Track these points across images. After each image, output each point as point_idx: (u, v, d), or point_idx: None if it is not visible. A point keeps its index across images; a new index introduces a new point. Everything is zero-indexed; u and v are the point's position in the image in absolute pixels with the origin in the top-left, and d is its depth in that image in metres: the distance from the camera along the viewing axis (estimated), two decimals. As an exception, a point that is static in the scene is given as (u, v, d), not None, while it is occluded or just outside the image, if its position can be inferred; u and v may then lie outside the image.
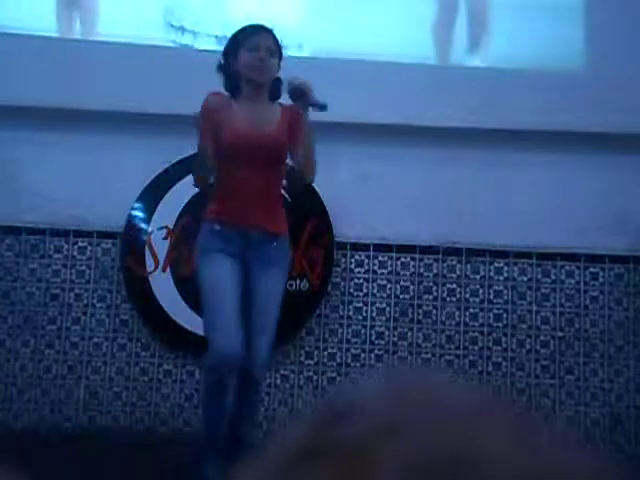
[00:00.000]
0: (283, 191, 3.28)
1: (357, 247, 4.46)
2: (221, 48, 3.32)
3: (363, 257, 4.46)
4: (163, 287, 4.33)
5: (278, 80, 3.18)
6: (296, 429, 0.45)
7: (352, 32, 4.59)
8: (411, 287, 4.45)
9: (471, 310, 4.44)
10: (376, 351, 4.40)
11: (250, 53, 3.08)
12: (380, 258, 4.46)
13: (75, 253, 4.42)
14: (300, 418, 0.46)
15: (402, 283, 4.45)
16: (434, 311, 4.43)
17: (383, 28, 4.57)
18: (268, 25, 3.21)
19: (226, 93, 3.18)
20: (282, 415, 4.27)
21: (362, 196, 4.42)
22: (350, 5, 4.66)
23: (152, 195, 4.43)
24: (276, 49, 3.14)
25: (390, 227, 4.43)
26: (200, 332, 4.19)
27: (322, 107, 3.01)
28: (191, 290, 4.28)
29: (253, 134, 3.06)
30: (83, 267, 4.41)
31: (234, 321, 2.99)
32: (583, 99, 4.39)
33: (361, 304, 4.43)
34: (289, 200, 4.43)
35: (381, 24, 4.57)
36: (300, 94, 3.02)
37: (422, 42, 4.59)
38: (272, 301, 3.10)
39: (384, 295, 4.44)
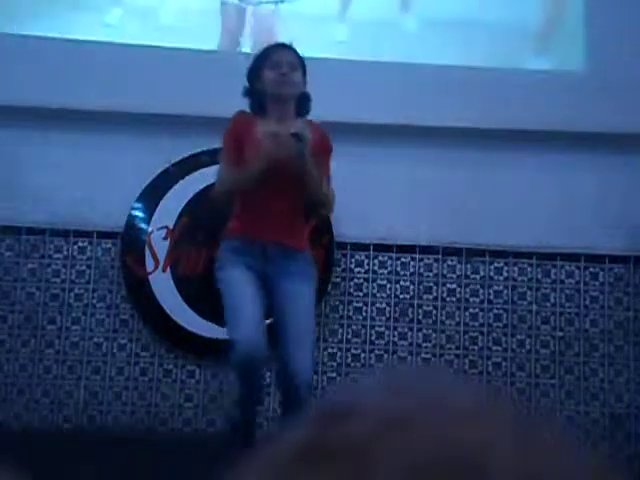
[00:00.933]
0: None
1: (357, 247, 4.46)
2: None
3: (363, 257, 4.46)
4: (163, 287, 4.32)
5: (305, 95, 3.17)
6: (296, 429, 0.45)
7: (353, 32, 4.59)
8: (411, 287, 4.45)
9: (471, 310, 4.44)
10: (376, 351, 4.40)
11: (272, 70, 3.09)
12: (380, 258, 4.46)
13: (75, 253, 4.42)
14: (300, 418, 0.46)
15: (402, 283, 4.45)
16: (434, 311, 4.43)
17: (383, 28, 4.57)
18: (289, 43, 3.21)
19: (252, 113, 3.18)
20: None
21: (362, 196, 4.42)
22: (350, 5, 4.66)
23: (152, 195, 4.43)
24: (298, 64, 3.13)
25: (390, 227, 4.43)
26: (200, 332, 4.21)
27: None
28: (191, 290, 4.29)
29: (276, 155, 3.01)
30: (83, 267, 4.41)
31: (256, 324, 2.95)
32: (583, 99, 4.39)
33: (361, 304, 4.43)
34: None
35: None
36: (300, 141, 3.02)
37: (422, 42, 4.59)
38: (303, 315, 3.05)
39: (384, 295, 4.43)
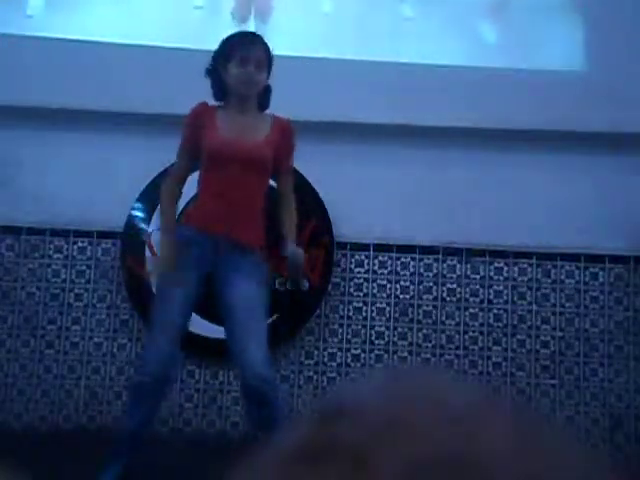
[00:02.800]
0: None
1: (357, 247, 4.46)
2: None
3: (363, 257, 4.46)
4: (163, 287, 4.32)
5: (267, 89, 3.17)
6: (296, 429, 0.45)
7: (354, 32, 4.59)
8: (411, 287, 4.45)
9: (471, 310, 4.44)
10: (376, 351, 4.40)
11: (239, 67, 3.06)
12: (380, 258, 4.46)
13: (75, 253, 4.42)
14: (300, 418, 0.46)
15: (402, 283, 4.45)
16: (434, 311, 4.43)
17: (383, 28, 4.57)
18: (259, 35, 3.20)
19: (214, 103, 3.17)
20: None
21: (362, 196, 4.42)
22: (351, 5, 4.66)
23: (152, 195, 4.42)
24: (265, 60, 3.11)
25: (390, 227, 4.43)
26: (200, 332, 4.20)
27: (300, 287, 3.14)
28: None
29: (235, 142, 3.05)
30: (83, 267, 4.41)
31: (171, 339, 2.99)
32: (583, 99, 4.39)
33: (361, 304, 4.43)
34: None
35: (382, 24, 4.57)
36: (296, 270, 3.08)
37: (423, 42, 4.59)
38: (253, 311, 2.99)
39: (384, 295, 4.44)
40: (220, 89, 3.13)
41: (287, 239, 3.11)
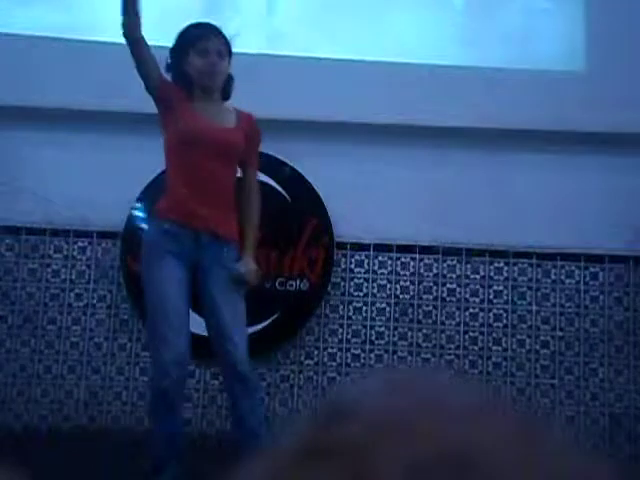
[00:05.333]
0: None
1: (357, 247, 4.46)
2: None
3: (363, 257, 4.46)
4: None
5: (229, 79, 3.15)
6: (296, 429, 0.45)
7: (354, 33, 4.59)
8: (411, 287, 4.45)
9: (471, 310, 4.44)
10: (376, 351, 4.40)
11: (201, 57, 3.05)
12: (380, 258, 4.46)
13: (75, 253, 4.42)
14: (300, 418, 0.46)
15: (402, 283, 4.45)
16: (434, 311, 4.43)
17: (383, 29, 4.57)
18: (215, 25, 3.17)
19: None
20: (282, 415, 4.27)
21: (362, 196, 4.42)
22: (351, 6, 4.66)
23: (152, 195, 4.43)
24: (226, 50, 3.10)
25: (390, 227, 4.43)
26: (200, 332, 4.20)
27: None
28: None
29: (210, 125, 3.03)
30: (83, 267, 4.41)
31: (180, 331, 2.89)
32: (583, 99, 4.39)
33: (361, 304, 4.43)
34: (289, 200, 4.44)
35: (382, 25, 4.57)
36: (240, 285, 3.02)
37: (422, 42, 4.59)
38: (234, 304, 2.97)
39: (384, 295, 4.43)
40: (184, 83, 3.09)
41: (245, 252, 3.04)
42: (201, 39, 3.08)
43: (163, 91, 3.04)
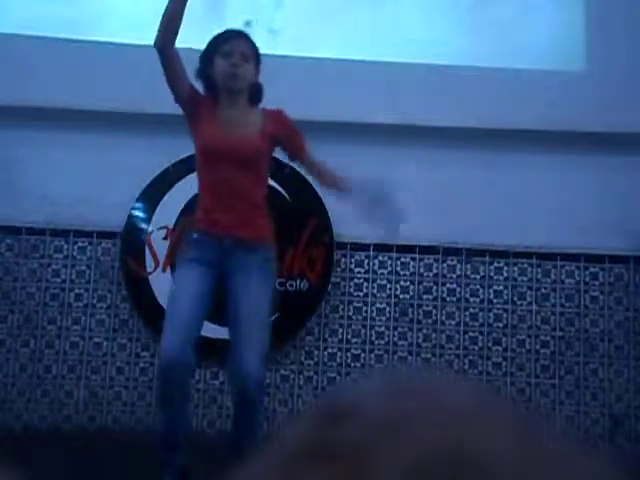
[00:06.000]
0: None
1: (357, 247, 4.46)
2: None
3: (363, 257, 4.46)
4: (163, 287, 4.31)
5: (258, 85, 3.15)
6: (296, 429, 0.45)
7: (354, 33, 4.59)
8: (411, 287, 4.45)
9: (471, 310, 4.44)
10: (376, 351, 4.41)
11: (224, 59, 3.06)
12: (380, 258, 4.46)
13: (75, 253, 4.42)
14: (300, 418, 0.46)
15: (402, 283, 4.45)
16: (434, 311, 4.43)
17: (385, 29, 4.57)
18: (244, 30, 3.21)
19: None
20: (282, 415, 4.27)
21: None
22: (351, 6, 4.66)
23: (152, 195, 4.43)
24: (251, 54, 3.10)
25: (390, 227, 4.42)
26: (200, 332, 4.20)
27: (392, 234, 2.97)
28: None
29: (228, 137, 3.03)
30: (83, 267, 4.41)
31: (181, 332, 2.90)
32: (583, 99, 4.39)
33: (361, 304, 4.43)
34: (289, 200, 4.44)
35: (383, 25, 4.57)
36: (378, 202, 3.02)
37: (423, 43, 4.59)
38: (256, 311, 2.97)
39: (384, 295, 4.43)
40: (211, 89, 3.12)
41: (336, 180, 3.16)
42: (225, 42, 3.10)
43: (189, 103, 3.07)
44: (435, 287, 4.45)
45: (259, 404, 3.02)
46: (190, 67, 4.30)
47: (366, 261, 4.46)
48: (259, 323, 2.99)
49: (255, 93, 3.15)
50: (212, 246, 3.00)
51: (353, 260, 4.45)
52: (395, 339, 4.41)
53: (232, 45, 3.08)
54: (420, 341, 4.42)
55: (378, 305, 4.43)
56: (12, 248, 4.41)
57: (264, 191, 3.12)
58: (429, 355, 4.40)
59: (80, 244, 4.42)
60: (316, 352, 4.39)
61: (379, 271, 4.45)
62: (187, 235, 3.13)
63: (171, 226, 4.38)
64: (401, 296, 4.44)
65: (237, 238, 3.00)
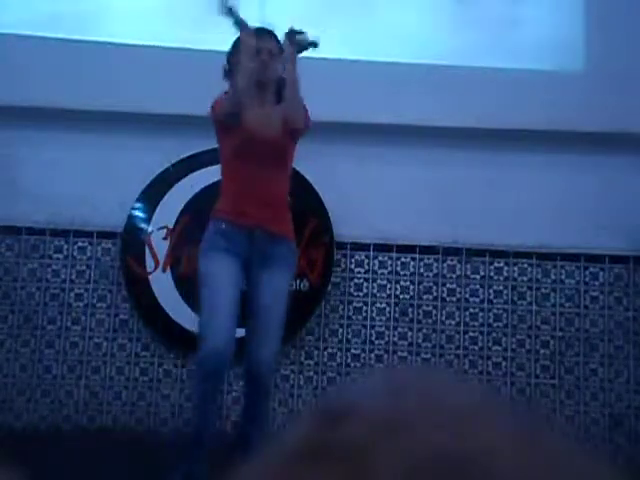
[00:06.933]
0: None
1: (357, 247, 4.46)
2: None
3: (363, 257, 4.46)
4: (163, 287, 4.33)
5: (284, 81, 3.19)
6: (296, 429, 0.45)
7: (354, 33, 4.59)
8: (411, 287, 4.45)
9: (471, 310, 4.44)
10: (376, 351, 4.40)
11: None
12: (380, 258, 4.46)
13: (75, 253, 4.42)
14: (300, 418, 0.46)
15: (402, 283, 4.45)
16: (434, 311, 4.43)
17: (384, 29, 4.57)
18: (269, 27, 3.23)
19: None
20: (282, 415, 4.27)
21: (362, 196, 4.42)
22: (352, 6, 4.66)
23: (152, 195, 4.43)
24: (278, 51, 3.17)
25: (390, 227, 4.43)
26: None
27: (314, 44, 3.12)
28: (191, 290, 4.29)
29: (259, 135, 3.09)
30: (83, 267, 4.41)
31: (228, 320, 2.97)
32: (583, 99, 4.39)
33: (361, 304, 4.43)
34: (289, 200, 4.44)
35: (383, 25, 4.57)
36: (297, 36, 3.09)
37: (423, 43, 4.59)
38: (277, 303, 3.08)
39: (384, 295, 4.43)
40: None
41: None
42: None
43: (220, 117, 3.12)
44: (435, 287, 4.45)
45: (269, 394, 3.16)
46: (190, 67, 4.31)
47: (366, 261, 4.46)
48: (279, 315, 3.09)
49: (281, 88, 3.19)
50: (241, 238, 3.06)
51: (353, 260, 4.45)
52: (395, 339, 4.41)
53: (260, 43, 3.12)
54: (420, 341, 4.42)
55: (378, 305, 4.43)
56: (12, 248, 4.41)
57: (288, 186, 3.20)
58: (429, 355, 4.40)
59: (80, 244, 4.42)
60: (316, 352, 4.39)
61: (379, 271, 4.45)
62: (213, 224, 3.14)
63: (171, 226, 4.38)
64: (401, 296, 4.44)
65: (268, 231, 3.07)
